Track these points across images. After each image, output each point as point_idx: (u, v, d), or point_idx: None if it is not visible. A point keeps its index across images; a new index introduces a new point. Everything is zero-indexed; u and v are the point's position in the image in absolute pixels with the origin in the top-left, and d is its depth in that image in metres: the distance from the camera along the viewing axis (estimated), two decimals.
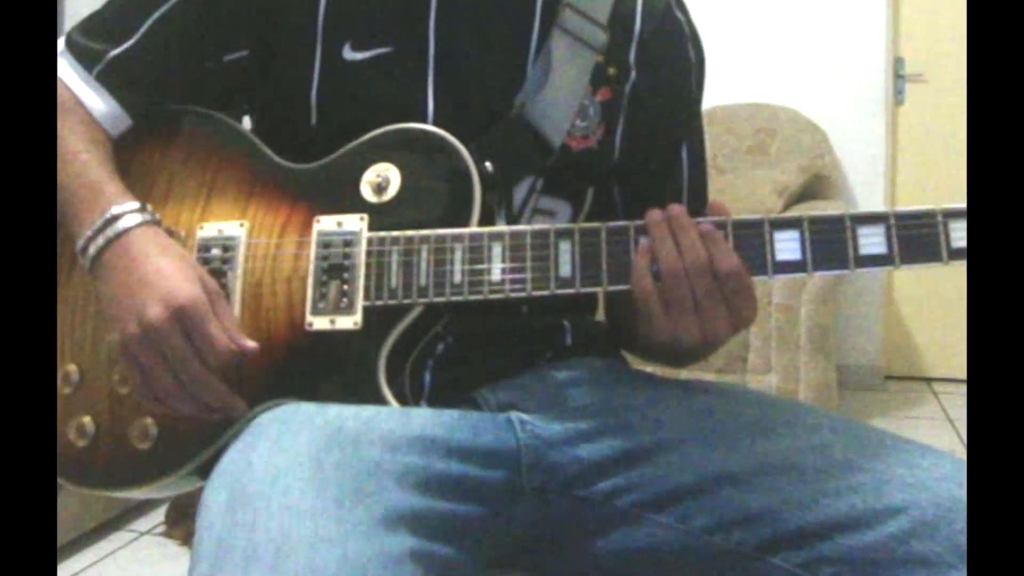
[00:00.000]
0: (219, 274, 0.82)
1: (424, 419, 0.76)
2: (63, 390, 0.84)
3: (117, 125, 0.89)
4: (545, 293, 0.78)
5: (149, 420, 0.81)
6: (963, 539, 0.68)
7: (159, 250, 0.79)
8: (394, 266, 0.79)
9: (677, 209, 0.77)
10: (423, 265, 0.79)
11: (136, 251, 0.79)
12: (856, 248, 0.75)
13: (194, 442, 0.80)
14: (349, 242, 0.81)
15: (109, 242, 0.79)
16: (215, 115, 0.90)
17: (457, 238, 0.79)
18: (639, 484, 0.78)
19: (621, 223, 0.79)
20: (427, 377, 0.84)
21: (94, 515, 2.16)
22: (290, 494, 0.64)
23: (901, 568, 0.69)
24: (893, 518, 0.71)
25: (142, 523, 2.27)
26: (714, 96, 1.77)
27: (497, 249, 0.79)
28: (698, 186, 0.97)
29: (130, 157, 0.89)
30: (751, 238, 0.76)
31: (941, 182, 3.47)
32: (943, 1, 3.47)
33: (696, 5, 1.04)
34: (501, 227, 0.81)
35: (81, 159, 0.83)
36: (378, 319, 0.79)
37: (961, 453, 1.94)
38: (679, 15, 0.95)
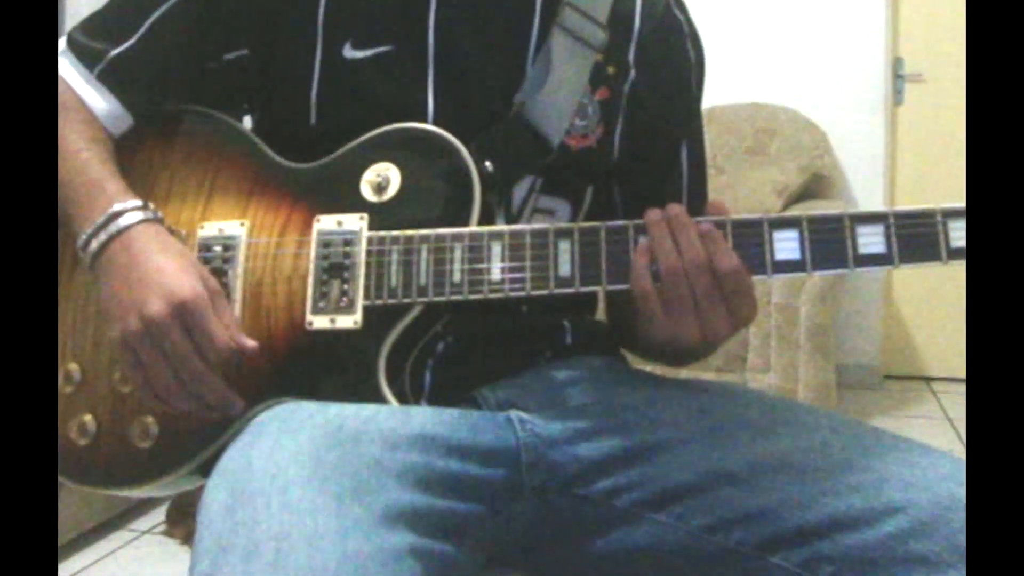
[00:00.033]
0: (220, 273, 0.82)
1: (424, 418, 0.76)
2: (64, 389, 0.84)
3: (119, 124, 0.89)
4: (544, 292, 0.78)
5: (150, 419, 0.81)
6: (962, 538, 0.68)
7: (160, 247, 0.80)
8: (394, 265, 0.80)
9: (676, 208, 0.78)
10: (423, 264, 0.79)
11: (137, 248, 0.79)
12: (855, 247, 0.75)
13: (195, 441, 0.80)
14: (349, 241, 0.81)
15: (111, 238, 0.79)
16: (216, 115, 0.90)
17: (457, 237, 0.79)
18: (639, 483, 0.78)
19: (620, 222, 0.79)
20: (427, 376, 0.84)
21: (95, 514, 2.16)
22: (290, 492, 0.64)
23: (900, 567, 0.69)
24: (892, 517, 0.71)
25: (143, 522, 2.27)
26: (714, 96, 1.77)
27: (497, 248, 0.79)
28: (698, 185, 0.97)
29: (131, 156, 0.89)
30: (750, 237, 0.77)
31: (940, 182, 3.47)
32: (942, 1, 3.47)
33: (696, 5, 1.04)
34: (501, 227, 0.81)
35: (83, 157, 0.84)
36: (378, 318, 0.79)
37: (960, 452, 1.94)
38: (678, 14, 0.95)
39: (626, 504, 0.79)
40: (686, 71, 0.96)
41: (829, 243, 0.75)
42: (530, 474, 0.79)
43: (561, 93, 0.86)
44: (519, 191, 0.87)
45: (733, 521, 0.75)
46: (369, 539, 0.62)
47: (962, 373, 3.44)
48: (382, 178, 0.82)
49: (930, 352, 3.63)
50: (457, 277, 0.79)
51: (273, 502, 0.63)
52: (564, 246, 0.79)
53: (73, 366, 0.85)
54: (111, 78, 0.88)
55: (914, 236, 0.74)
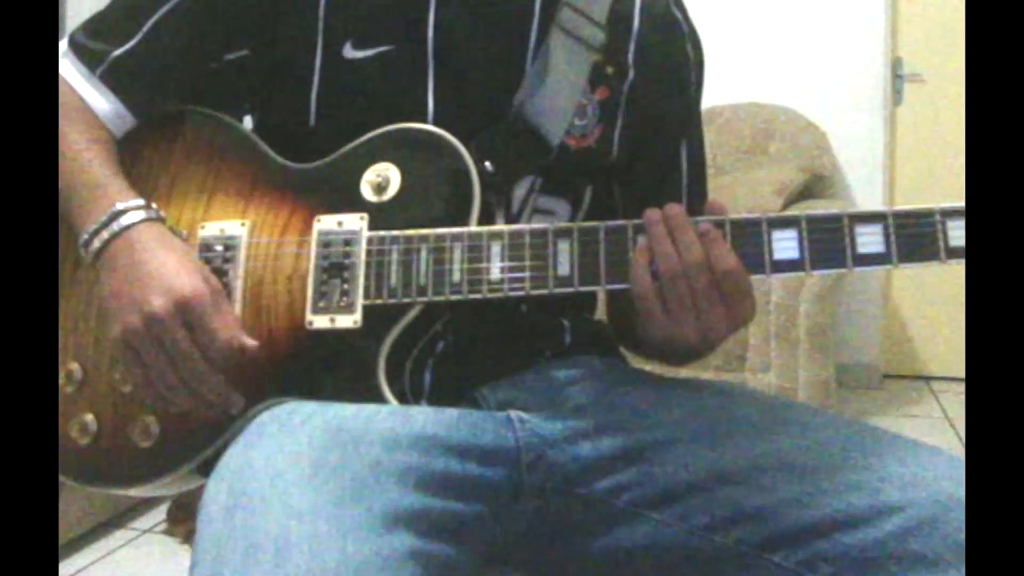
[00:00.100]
0: (221, 273, 0.82)
1: (424, 418, 0.76)
2: (66, 388, 0.85)
3: (120, 125, 0.89)
4: (544, 292, 0.78)
5: (151, 418, 0.82)
6: (961, 537, 0.68)
7: (163, 246, 0.80)
8: (394, 265, 0.80)
9: (675, 208, 0.78)
10: (422, 264, 0.79)
11: (140, 246, 0.79)
12: (854, 247, 0.75)
13: (195, 440, 0.81)
14: (349, 241, 0.81)
15: (113, 237, 0.80)
16: (217, 115, 0.90)
17: (456, 237, 0.79)
18: (638, 482, 0.78)
19: (619, 222, 0.79)
20: (427, 376, 0.84)
21: (96, 513, 2.16)
22: (290, 494, 0.64)
23: (899, 566, 0.69)
24: (891, 516, 0.71)
25: (144, 521, 2.27)
26: (713, 96, 1.77)
27: (496, 248, 0.79)
28: (697, 185, 0.97)
29: (132, 157, 0.89)
30: (749, 237, 0.77)
31: (939, 182, 3.47)
32: (941, 1, 3.48)
33: (695, 5, 1.04)
34: (500, 226, 0.81)
35: (85, 158, 0.84)
36: (378, 318, 0.79)
37: (959, 451, 1.94)
38: (677, 14, 0.96)
39: (626, 503, 0.79)
40: (685, 71, 0.96)
41: (828, 243, 0.75)
42: (530, 474, 0.79)
43: (560, 93, 0.86)
44: (519, 191, 0.88)
45: (733, 520, 0.75)
46: (369, 541, 0.62)
47: (961, 373, 3.44)
48: (382, 178, 0.82)
49: (929, 352, 3.63)
50: (456, 277, 0.79)
51: (273, 504, 0.63)
52: (563, 246, 0.79)
53: (74, 365, 0.85)
54: (113, 79, 0.88)
55: (913, 235, 0.74)
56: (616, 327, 0.98)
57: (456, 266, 0.79)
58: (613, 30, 0.90)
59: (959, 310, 3.40)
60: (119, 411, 0.83)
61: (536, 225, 0.80)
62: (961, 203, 0.73)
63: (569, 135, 0.88)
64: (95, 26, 0.90)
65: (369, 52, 0.85)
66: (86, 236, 0.80)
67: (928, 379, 3.61)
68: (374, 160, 0.83)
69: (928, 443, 0.78)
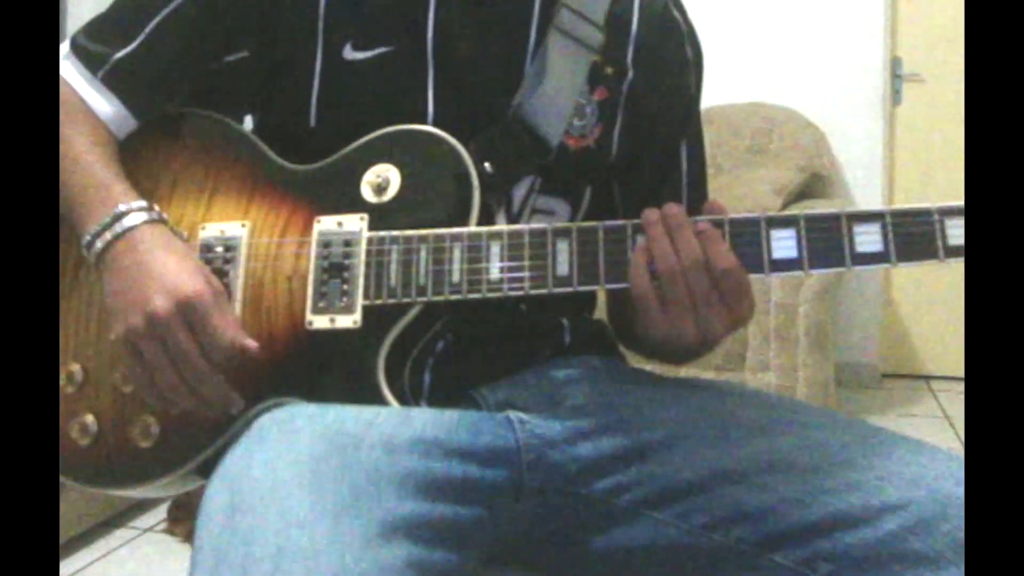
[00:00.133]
0: (221, 273, 0.83)
1: (424, 420, 0.76)
2: (66, 389, 0.85)
3: (122, 127, 0.89)
4: (543, 292, 0.78)
5: (151, 418, 0.82)
6: (961, 536, 0.69)
7: (165, 247, 0.80)
8: (393, 265, 0.80)
9: (674, 208, 0.78)
10: (422, 264, 0.79)
11: (142, 247, 0.79)
12: (852, 246, 0.75)
13: (195, 440, 0.81)
14: (349, 242, 0.81)
15: (116, 238, 0.80)
16: (217, 117, 0.90)
17: (456, 237, 0.80)
18: (639, 482, 0.79)
19: (619, 222, 0.79)
20: (427, 376, 0.84)
21: (96, 512, 2.16)
22: (288, 504, 0.64)
23: (899, 565, 0.69)
24: (891, 515, 0.71)
25: (144, 520, 2.27)
26: (712, 96, 1.77)
27: (495, 248, 0.79)
28: (698, 185, 0.97)
29: (134, 159, 0.89)
30: (748, 236, 0.77)
31: (938, 181, 3.47)
32: (940, 2, 3.48)
33: (694, 5, 1.05)
34: (499, 226, 0.81)
35: (88, 160, 0.84)
36: (378, 318, 0.79)
37: (959, 451, 1.94)
38: (676, 14, 0.96)
39: (626, 503, 0.79)
40: (684, 71, 0.96)
41: (826, 242, 0.75)
42: (530, 474, 0.80)
43: (558, 93, 0.86)
44: (518, 191, 0.88)
45: (733, 519, 0.75)
46: (367, 552, 0.62)
47: (960, 372, 3.44)
48: (382, 179, 0.82)
49: (929, 351, 3.64)
50: (456, 277, 0.79)
51: (271, 514, 0.63)
52: (562, 245, 0.79)
53: (75, 367, 0.85)
54: (115, 81, 0.88)
55: (911, 234, 0.74)
56: (616, 326, 0.98)
57: (456, 266, 0.79)
58: (611, 31, 0.90)
59: (958, 310, 3.40)
60: (120, 412, 0.83)
61: (535, 225, 0.80)
62: (959, 202, 0.73)
63: (568, 135, 0.88)
64: (96, 28, 0.90)
65: (369, 53, 0.86)
66: (88, 237, 0.81)
67: (927, 378, 3.61)
68: (374, 161, 0.83)
69: (927, 442, 0.78)
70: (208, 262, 0.83)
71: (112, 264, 0.79)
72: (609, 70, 0.91)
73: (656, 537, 0.78)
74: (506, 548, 0.81)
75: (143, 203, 0.82)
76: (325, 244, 0.82)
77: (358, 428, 0.72)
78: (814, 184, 3.21)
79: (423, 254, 0.80)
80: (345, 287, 0.80)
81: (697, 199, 0.94)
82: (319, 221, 0.82)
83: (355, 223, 0.82)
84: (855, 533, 0.71)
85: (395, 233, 0.80)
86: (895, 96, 3.58)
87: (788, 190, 3.05)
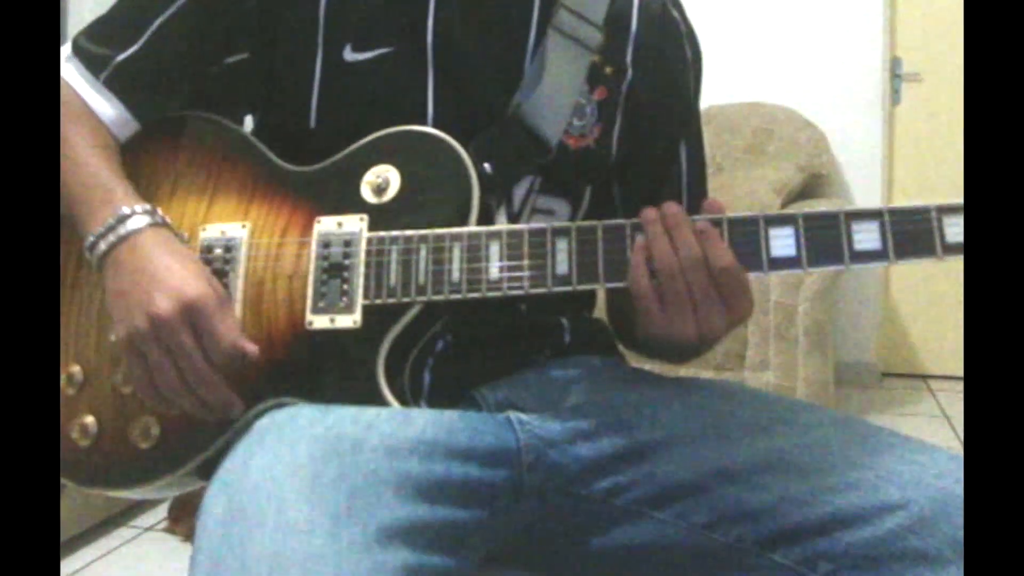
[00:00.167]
0: (222, 274, 0.83)
1: (424, 421, 0.76)
2: (67, 391, 0.85)
3: (125, 130, 0.90)
4: (543, 291, 0.78)
5: (151, 419, 0.82)
6: (960, 534, 0.69)
7: (168, 250, 0.80)
8: (393, 265, 0.80)
9: (672, 206, 0.78)
10: (422, 264, 0.79)
11: (146, 250, 0.79)
12: (851, 244, 0.75)
13: (195, 441, 0.81)
14: (349, 242, 0.81)
15: (120, 240, 0.80)
16: (217, 119, 0.91)
17: (455, 237, 0.80)
18: (639, 481, 0.79)
19: (618, 221, 0.79)
20: (426, 376, 0.84)
21: (97, 511, 2.16)
22: (285, 510, 0.64)
23: (899, 564, 0.70)
24: (891, 514, 0.71)
25: (145, 519, 2.27)
26: (712, 96, 1.77)
27: (495, 247, 0.79)
28: (697, 185, 0.97)
29: (135, 161, 0.89)
30: (746, 235, 0.77)
31: (937, 181, 3.48)
32: (940, 1, 3.48)
33: (693, 4, 1.05)
34: (499, 226, 0.81)
35: (91, 162, 0.84)
36: (377, 318, 0.80)
37: (958, 450, 1.94)
38: (675, 14, 0.96)
39: (626, 503, 0.79)
40: (683, 71, 0.96)
41: (825, 240, 0.75)
42: (530, 475, 0.80)
43: (558, 93, 0.87)
44: (518, 191, 0.88)
45: (733, 519, 0.75)
46: (364, 559, 0.62)
47: (959, 371, 3.44)
48: (382, 179, 0.82)
49: (928, 350, 3.64)
50: (456, 276, 0.79)
51: (268, 520, 0.63)
52: (562, 244, 0.79)
53: (75, 368, 0.85)
54: (117, 84, 0.88)
55: (909, 232, 0.74)
56: (615, 325, 0.98)
57: (455, 265, 0.79)
58: (611, 31, 0.90)
59: (957, 309, 3.41)
60: (120, 413, 0.83)
61: (534, 224, 0.80)
62: (957, 200, 0.73)
63: (568, 135, 0.88)
64: (98, 30, 0.90)
65: (369, 54, 0.86)
66: (92, 239, 0.81)
67: (926, 378, 3.61)
68: (374, 162, 0.83)
69: (927, 441, 0.78)
70: (208, 262, 0.83)
71: (115, 266, 0.80)
72: (608, 70, 0.91)
73: (656, 537, 0.78)
74: (506, 548, 0.81)
75: (147, 206, 0.82)
76: (325, 244, 0.82)
77: (357, 430, 0.72)
78: (813, 184, 3.21)
79: (423, 254, 0.80)
80: (345, 287, 0.80)
81: (697, 199, 0.94)
82: (319, 221, 0.83)
83: (355, 223, 0.82)
84: (855, 532, 0.72)
85: (395, 233, 0.81)
86: (894, 96, 3.59)
87: (788, 189, 3.05)
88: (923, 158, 3.55)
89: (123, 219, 0.80)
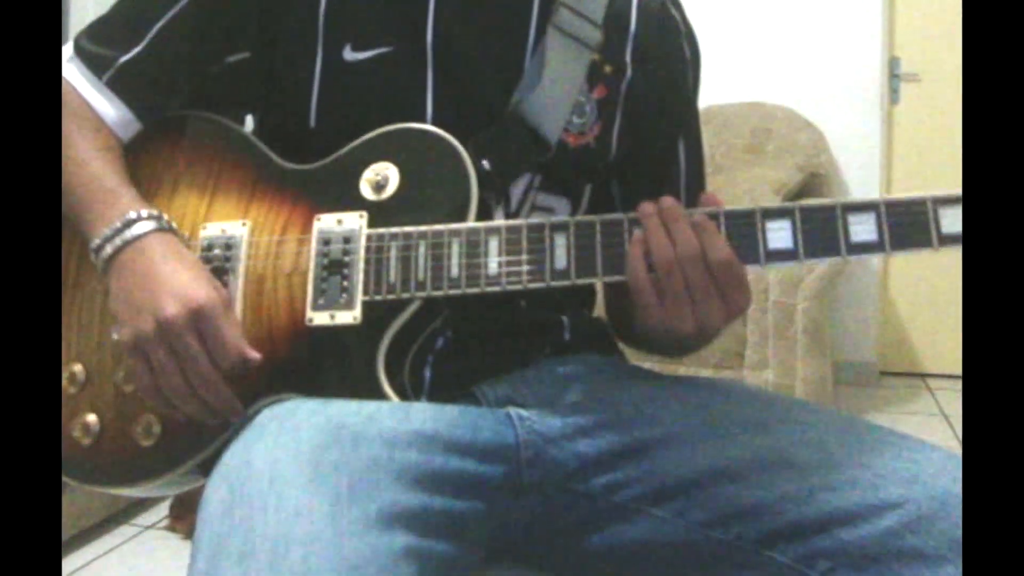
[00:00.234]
0: (222, 272, 0.83)
1: (424, 415, 0.76)
2: (69, 389, 0.85)
3: (127, 131, 0.90)
4: (541, 285, 0.79)
5: (152, 417, 0.82)
6: (958, 533, 0.69)
7: (175, 255, 0.80)
8: (392, 261, 0.80)
9: (669, 200, 0.78)
10: (421, 260, 0.80)
11: (153, 253, 0.80)
12: (847, 236, 0.75)
13: (197, 438, 0.81)
14: (348, 239, 0.81)
15: (126, 244, 0.80)
16: (217, 118, 0.91)
17: (454, 233, 0.80)
18: (637, 479, 0.79)
19: (616, 216, 0.80)
20: (427, 372, 0.85)
21: (98, 510, 2.16)
22: (288, 494, 0.64)
23: (896, 562, 0.70)
24: (889, 512, 0.71)
25: (146, 517, 2.27)
26: (711, 95, 1.78)
27: (493, 243, 0.80)
28: (696, 182, 0.97)
29: (136, 161, 0.89)
30: (743, 228, 0.77)
31: (936, 180, 3.47)
32: (938, 1, 3.48)
33: (692, 4, 1.05)
34: (497, 222, 0.81)
35: (95, 164, 0.84)
36: (377, 314, 0.80)
37: (956, 448, 1.95)
38: (674, 12, 0.96)
39: (625, 499, 0.79)
40: (682, 69, 0.97)
41: (821, 232, 0.76)
42: (529, 470, 0.80)
43: (557, 91, 0.87)
44: (517, 189, 0.88)
45: (731, 516, 0.76)
46: (365, 541, 0.62)
47: (958, 370, 3.45)
48: (381, 177, 0.83)
49: (926, 349, 3.64)
50: (455, 272, 0.79)
51: (270, 504, 0.64)
52: (560, 240, 0.79)
53: (77, 367, 0.85)
54: (119, 85, 0.88)
55: (905, 223, 0.75)
56: (613, 321, 0.98)
57: (454, 261, 0.79)
58: (610, 29, 0.90)
59: (956, 308, 3.41)
60: (121, 411, 0.83)
61: (533, 220, 0.80)
62: (952, 191, 0.74)
63: (567, 133, 0.88)
64: (100, 31, 0.90)
65: (368, 54, 0.86)
66: (98, 241, 0.81)
67: (925, 376, 3.62)
68: (373, 159, 0.83)
69: (925, 440, 0.78)
70: (209, 261, 0.83)
71: (121, 270, 0.80)
72: (608, 68, 0.91)
73: (654, 534, 0.78)
74: (505, 544, 0.81)
75: (153, 211, 0.82)
76: (325, 241, 0.82)
77: (358, 422, 0.72)
78: (812, 183, 3.21)
79: (422, 250, 0.80)
80: (345, 284, 0.80)
81: (695, 196, 0.94)
82: (319, 219, 0.83)
83: (354, 220, 0.82)
84: (853, 530, 0.72)
85: (394, 230, 0.81)
86: (893, 95, 3.59)
87: (787, 189, 3.06)
88: (921, 157, 3.55)
89: (129, 223, 0.81)
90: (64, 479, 0.84)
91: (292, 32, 0.87)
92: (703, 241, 0.76)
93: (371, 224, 0.82)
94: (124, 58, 0.88)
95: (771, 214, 0.77)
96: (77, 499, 2.06)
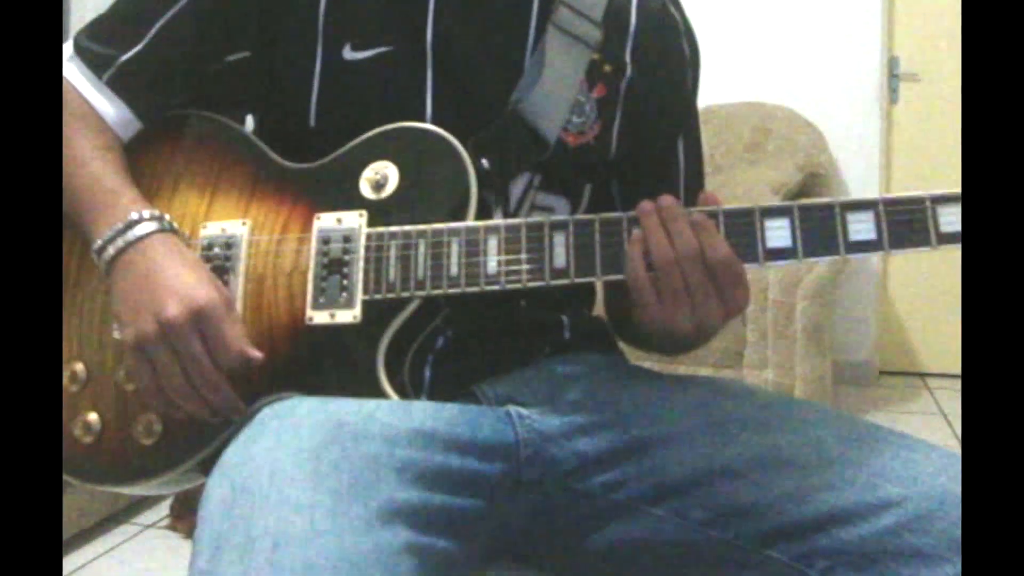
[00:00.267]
0: (222, 271, 0.83)
1: (424, 413, 0.76)
2: (70, 388, 0.85)
3: (128, 130, 0.90)
4: (540, 284, 0.79)
5: (153, 416, 0.82)
6: (957, 532, 0.69)
7: (177, 257, 0.80)
8: (392, 260, 0.80)
9: (668, 199, 0.78)
10: (420, 259, 0.80)
11: (155, 254, 0.80)
12: (846, 234, 0.76)
13: (197, 437, 0.81)
14: (348, 238, 0.81)
15: (129, 245, 0.80)
16: (218, 118, 0.91)
17: (454, 232, 0.80)
18: (636, 477, 0.79)
19: (615, 214, 0.80)
20: (427, 371, 0.85)
21: (99, 508, 2.16)
22: (288, 490, 0.64)
23: (895, 561, 0.70)
24: (887, 511, 0.71)
25: (147, 516, 2.27)
26: (711, 95, 1.78)
27: (493, 242, 0.80)
28: (695, 181, 0.97)
29: (136, 160, 0.89)
30: (742, 226, 0.77)
31: (935, 180, 3.47)
32: (938, 1, 3.48)
33: (692, 4, 1.05)
34: (497, 220, 0.82)
35: (96, 164, 0.84)
36: (377, 313, 0.80)
37: (955, 447, 1.95)
38: (673, 11, 0.96)
39: (623, 498, 0.79)
40: (682, 68, 0.97)
41: (820, 230, 0.76)
42: (528, 469, 0.80)
43: (556, 90, 0.87)
44: (517, 188, 0.88)
45: (730, 515, 0.76)
46: (366, 537, 0.62)
47: (957, 369, 3.45)
48: (380, 176, 0.83)
49: (925, 348, 3.64)
50: (454, 271, 0.79)
51: (271, 499, 0.64)
52: (559, 238, 0.79)
53: (79, 366, 0.85)
54: (120, 85, 0.88)
55: (903, 222, 0.75)
56: (612, 320, 0.98)
57: (454, 260, 0.79)
58: (610, 28, 0.90)
59: (955, 307, 3.41)
60: (122, 409, 0.83)
61: (532, 219, 0.81)
62: (950, 190, 0.74)
63: (567, 132, 0.88)
64: (100, 30, 0.90)
65: (368, 53, 0.86)
66: (100, 242, 0.81)
67: (924, 376, 3.62)
68: (373, 158, 0.84)
69: (924, 439, 0.78)
70: (209, 260, 0.84)
71: (123, 271, 0.80)
72: (607, 67, 0.91)
73: (653, 533, 0.78)
74: (504, 543, 0.81)
75: (156, 212, 0.82)
76: (324, 240, 0.82)
77: (358, 420, 0.72)
78: (812, 183, 3.21)
79: (421, 249, 0.80)
80: (344, 283, 0.80)
81: (694, 195, 0.94)
82: (318, 218, 0.83)
83: (354, 219, 0.82)
84: (852, 529, 0.72)
85: (394, 229, 0.81)
86: (892, 95, 3.59)
87: (786, 189, 3.06)
88: (921, 157, 3.55)
89: (131, 224, 0.81)
90: (65, 478, 0.84)
91: (292, 32, 0.87)
92: (702, 240, 0.76)
93: (371, 223, 0.82)
94: (124, 57, 0.88)
95: (770, 213, 0.77)
96: (78, 498, 2.06)
